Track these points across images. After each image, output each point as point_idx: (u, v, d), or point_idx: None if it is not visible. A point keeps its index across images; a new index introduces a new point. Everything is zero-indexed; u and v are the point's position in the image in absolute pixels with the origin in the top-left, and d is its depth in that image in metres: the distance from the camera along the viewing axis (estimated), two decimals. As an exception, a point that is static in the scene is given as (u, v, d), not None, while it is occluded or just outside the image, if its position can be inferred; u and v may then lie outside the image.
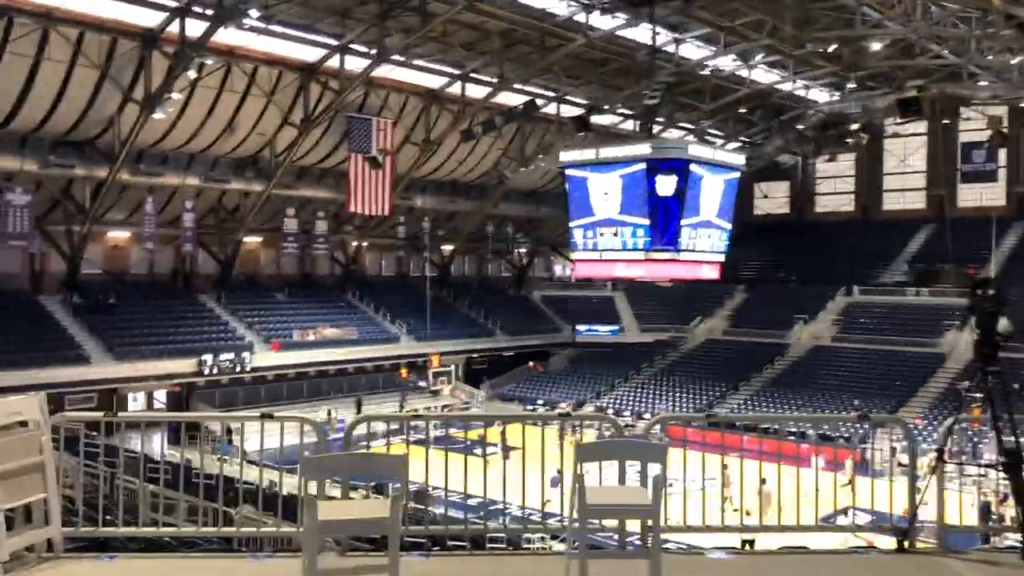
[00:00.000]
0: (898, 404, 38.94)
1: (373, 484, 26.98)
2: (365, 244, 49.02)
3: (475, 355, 49.72)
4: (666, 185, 29.06)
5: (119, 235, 40.46)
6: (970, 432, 25.88)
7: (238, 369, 37.49)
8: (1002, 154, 49.17)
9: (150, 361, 35.21)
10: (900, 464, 29.59)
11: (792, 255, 54.99)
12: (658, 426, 6.91)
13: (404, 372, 41.95)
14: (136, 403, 41.75)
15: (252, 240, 44.58)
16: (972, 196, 52.53)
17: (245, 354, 37.94)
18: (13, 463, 4.68)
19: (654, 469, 5.12)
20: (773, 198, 61.16)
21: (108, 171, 33.69)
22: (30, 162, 32.50)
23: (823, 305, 49.63)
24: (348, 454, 4.98)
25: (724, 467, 25.99)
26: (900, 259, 52.34)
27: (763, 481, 26.62)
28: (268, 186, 38.95)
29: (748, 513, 21.19)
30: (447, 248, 52.97)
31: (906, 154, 55.39)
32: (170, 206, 39.09)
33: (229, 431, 35.17)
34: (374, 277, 50.49)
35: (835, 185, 58.76)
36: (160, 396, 39.82)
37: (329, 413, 38.50)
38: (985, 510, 23.63)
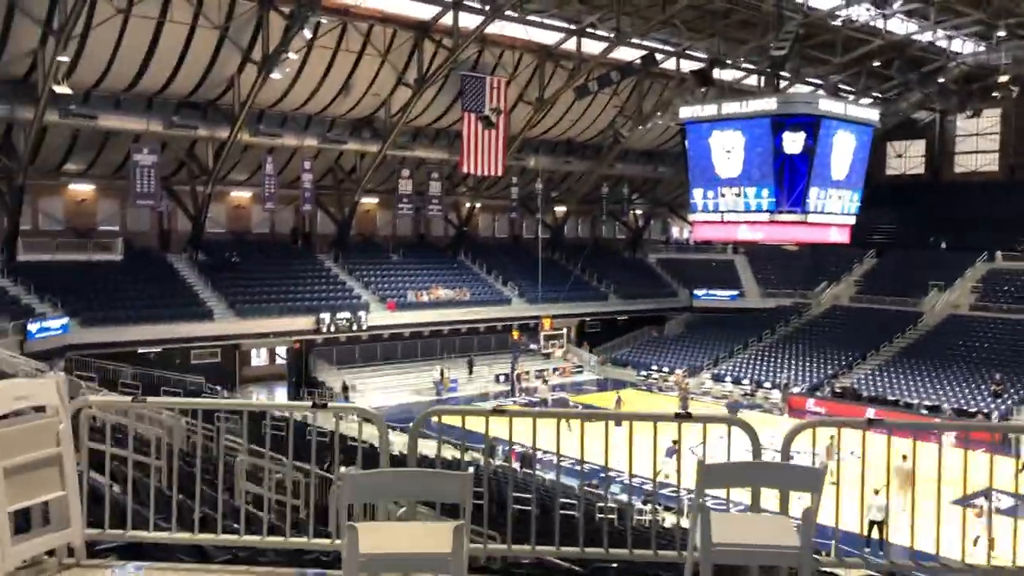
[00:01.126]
0: (1045, 378, 36.16)
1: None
2: (478, 205, 48.80)
3: (587, 319, 49.03)
4: (794, 142, 27.42)
5: (241, 195, 41.53)
6: None
7: (354, 328, 38.02)
8: None
9: (270, 318, 36.07)
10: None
11: (927, 218, 51.64)
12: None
13: (516, 334, 41.68)
14: (259, 358, 43.18)
15: (368, 201, 45.02)
16: None
17: (361, 313, 38.43)
18: (24, 456, 3.94)
19: (803, 499, 3.80)
20: (907, 157, 57.63)
21: (229, 132, 34.38)
22: (155, 123, 33.48)
23: (961, 272, 46.44)
24: (399, 471, 3.94)
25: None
26: (1050, 222, 48.39)
27: (904, 457, 25.13)
28: (383, 147, 39.07)
29: (876, 492, 19.73)
30: (560, 210, 52.22)
31: (1060, 108, 50.92)
32: (289, 167, 39.75)
33: (346, 388, 35.84)
34: (487, 239, 50.30)
35: (977, 143, 54.75)
36: (281, 352, 40.95)
37: (442, 372, 38.74)
38: None
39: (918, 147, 57.27)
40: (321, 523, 5.46)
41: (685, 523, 15.45)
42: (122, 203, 36.83)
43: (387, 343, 40.52)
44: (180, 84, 33.38)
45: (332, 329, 37.31)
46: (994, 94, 45.28)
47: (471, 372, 40.73)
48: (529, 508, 16.77)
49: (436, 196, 43.75)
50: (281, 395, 38.26)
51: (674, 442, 25.30)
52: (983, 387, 36.04)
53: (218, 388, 31.52)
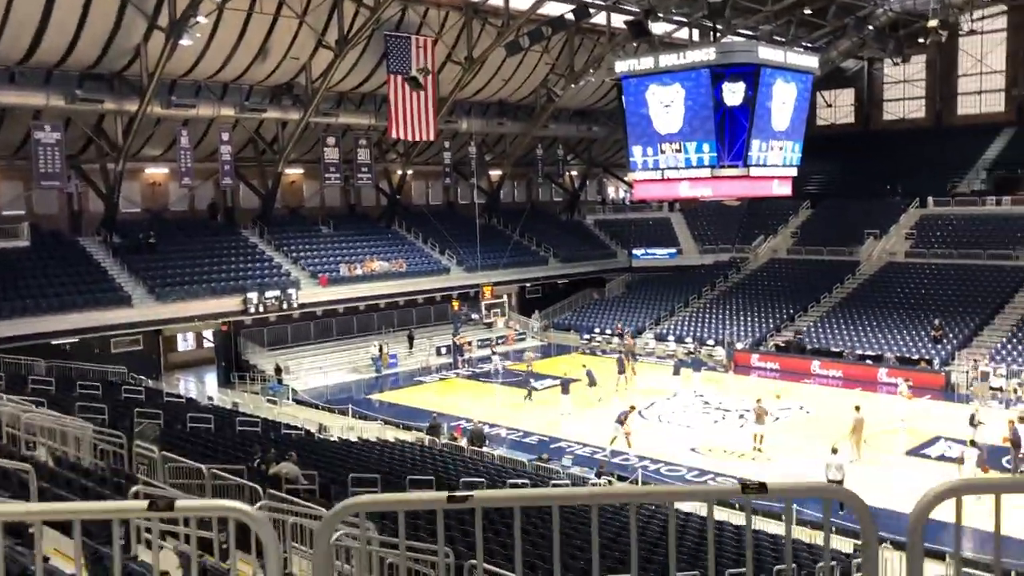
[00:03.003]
0: (981, 323, 36.47)
1: (427, 425, 25.76)
2: (410, 172, 47.21)
3: (528, 284, 48.09)
4: (734, 94, 26.56)
5: (156, 171, 39.24)
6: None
7: (285, 306, 36.32)
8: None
9: (194, 301, 34.13)
10: (992, 388, 27.30)
11: (859, 167, 51.87)
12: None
13: (456, 304, 40.50)
14: (186, 343, 41.23)
15: (293, 172, 43.14)
16: (1057, 96, 48.74)
17: (292, 290, 36.73)
18: None
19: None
20: (837, 107, 57.76)
21: (138, 104, 32.20)
22: (56, 97, 31.08)
23: (895, 219, 46.73)
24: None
25: (757, 400, 23.68)
26: (977, 167, 49.00)
27: (857, 408, 24.83)
28: (305, 114, 37.22)
29: (835, 450, 19.02)
30: (495, 174, 50.94)
31: (983, 53, 51.41)
32: (206, 139, 37.64)
33: (279, 370, 34.28)
34: (421, 207, 48.77)
35: (904, 90, 55.05)
36: (209, 335, 39.06)
37: (381, 348, 37.40)
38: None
39: (848, 96, 57.41)
40: None
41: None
42: (26, 185, 34.32)
43: (321, 320, 38.93)
44: (81, 54, 31.01)
45: (261, 309, 35.57)
46: (920, 40, 45.28)
47: (411, 346, 39.46)
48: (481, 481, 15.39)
49: (365, 164, 42.04)
50: (211, 380, 36.49)
51: (631, 408, 24.44)
52: (923, 333, 36.21)
53: (141, 378, 29.77)
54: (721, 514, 18.88)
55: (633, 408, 25.54)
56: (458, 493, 2.12)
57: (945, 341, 35.21)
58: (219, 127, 36.98)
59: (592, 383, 30.97)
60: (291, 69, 36.50)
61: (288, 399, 32.09)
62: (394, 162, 45.81)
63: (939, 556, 16.78)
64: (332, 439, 22.67)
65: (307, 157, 41.59)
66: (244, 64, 34.90)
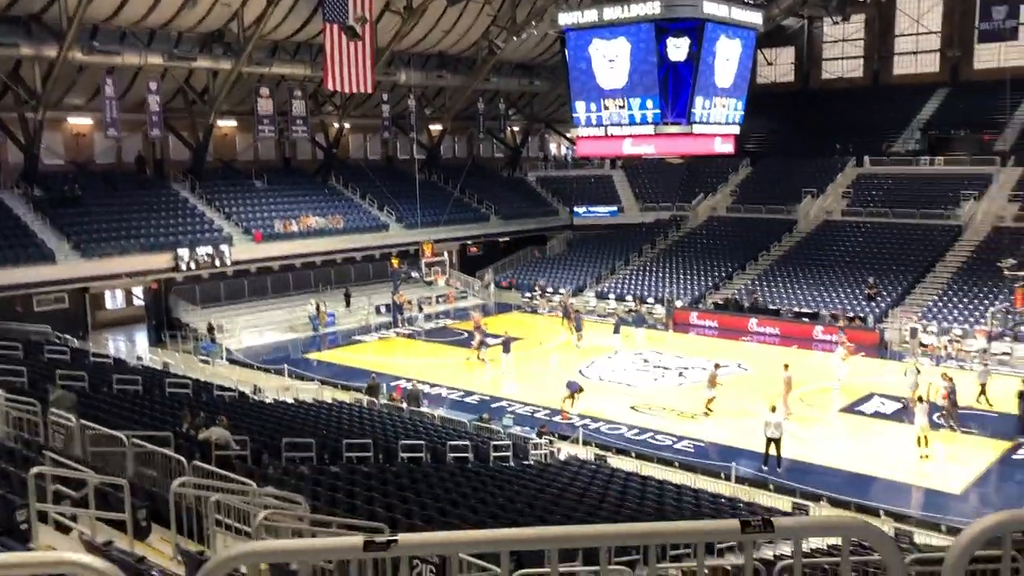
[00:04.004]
0: (915, 279, 37.19)
1: (365, 386, 25.28)
2: (347, 126, 45.97)
3: (470, 242, 47.52)
4: (678, 48, 26.21)
5: (80, 122, 37.43)
6: (1011, 314, 24.01)
7: (217, 263, 35.20)
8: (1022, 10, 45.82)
9: (121, 257, 32.80)
10: (922, 345, 27.85)
11: (798, 126, 52.22)
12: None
13: (395, 262, 39.76)
14: (115, 301, 39.79)
15: (226, 124, 41.65)
16: (990, 57, 49.48)
17: (224, 247, 35.59)
18: None
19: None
20: (778, 65, 57.86)
21: (58, 50, 30.49)
22: (-33, 42, 29.26)
23: (832, 177, 47.20)
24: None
25: (716, 366, 23.83)
26: (912, 127, 49.67)
27: (785, 367, 25.12)
28: (237, 63, 35.78)
29: (773, 409, 19.13)
30: (435, 128, 49.95)
31: (920, 13, 51.89)
32: (133, 89, 36.01)
33: (211, 329, 33.32)
34: (358, 161, 47.60)
35: (843, 49, 55.38)
36: (139, 293, 37.75)
37: (318, 306, 36.62)
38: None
39: (788, 54, 57.52)
40: None
41: (582, 453, 14.17)
42: (-62, 135, 32.45)
43: (255, 278, 37.87)
44: (-7, -6, 29.17)
45: (193, 266, 34.40)
46: (861, -1, 45.48)
47: (349, 304, 38.71)
48: (420, 455, 15.10)
49: (300, 116, 40.74)
50: (142, 340, 35.32)
51: (577, 384, 24.23)
52: (858, 291, 36.78)
53: (66, 337, 28.57)
54: (663, 473, 18.91)
55: (581, 389, 25.18)
56: (378, 539, 1.69)
57: (879, 299, 35.83)
58: (146, 76, 35.37)
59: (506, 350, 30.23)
60: (222, 16, 34.98)
61: (222, 359, 31.22)
62: (331, 115, 44.54)
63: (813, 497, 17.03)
64: (267, 401, 22.04)
65: (240, 109, 40.12)
66: (172, 9, 33.28)
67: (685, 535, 2.15)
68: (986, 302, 32.51)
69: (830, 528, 2.07)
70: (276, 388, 25.04)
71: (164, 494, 7.77)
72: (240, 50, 35.48)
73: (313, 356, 32.65)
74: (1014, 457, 20.53)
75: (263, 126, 39.58)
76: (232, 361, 31.34)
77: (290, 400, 22.78)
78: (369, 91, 38.82)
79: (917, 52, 52.61)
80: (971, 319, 32.29)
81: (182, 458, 9.36)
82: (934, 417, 21.55)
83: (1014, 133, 45.09)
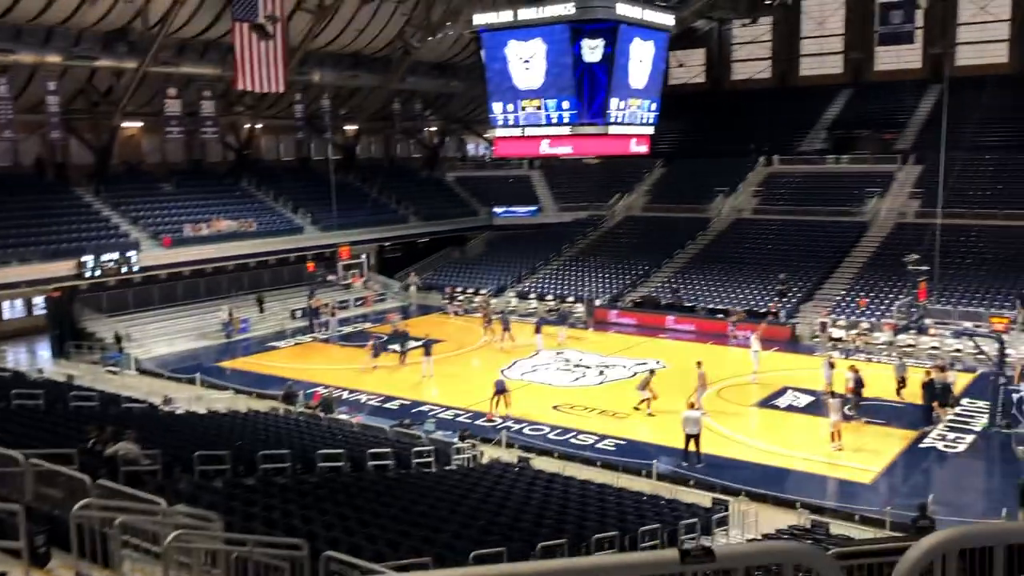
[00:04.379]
0: (824, 275, 38.34)
1: (282, 393, 24.70)
2: (259, 126, 44.95)
3: (388, 243, 47.00)
4: (593, 50, 26.34)
5: (-28, 123, 35.58)
6: (915, 307, 24.92)
7: (124, 270, 33.92)
8: (919, 15, 47.74)
9: (20, 265, 31.26)
10: (832, 339, 28.74)
11: (710, 126, 53.32)
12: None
13: (311, 265, 39.02)
14: (14, 310, 38.04)
15: (131, 125, 40.25)
16: (889, 59, 51.41)
17: (131, 253, 34.32)
18: None
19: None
20: (689, 66, 58.95)
21: (-54, 48, 28.95)
22: None
23: (743, 177, 48.35)
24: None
25: (651, 372, 24.14)
26: (819, 126, 51.23)
27: (699, 363, 25.56)
28: (143, 63, 34.58)
29: (692, 405, 19.43)
30: (351, 128, 49.26)
31: (824, 16, 53.60)
32: (30, 89, 34.42)
33: (119, 338, 32.14)
34: (272, 163, 46.60)
35: (752, 51, 56.77)
36: (41, 302, 36.13)
37: (230, 312, 35.66)
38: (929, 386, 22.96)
39: (698, 56, 58.66)
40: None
41: (505, 456, 14.06)
42: None
43: (165, 284, 36.66)
44: None
45: (98, 273, 33.05)
46: (768, 1, 46.68)
47: (263, 310, 37.81)
48: (340, 464, 14.75)
49: (210, 117, 39.63)
50: (44, 351, 33.80)
51: (501, 381, 24.13)
52: (770, 287, 37.70)
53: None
54: (586, 473, 18.98)
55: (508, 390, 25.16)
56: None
57: (790, 295, 36.80)
58: (44, 76, 33.85)
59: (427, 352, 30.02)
60: (125, 13, 33.69)
61: (130, 369, 30.11)
62: (242, 115, 43.47)
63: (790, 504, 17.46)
64: (178, 412, 21.30)
65: (146, 110, 38.81)
66: (70, 6, 31.93)
67: (621, 568, 2.04)
68: (892, 296, 33.75)
69: (773, 555, 1.98)
70: (188, 398, 24.25)
71: (66, 517, 7.35)
72: (145, 49, 34.30)
73: (227, 364, 31.75)
74: (920, 446, 21.29)
75: (171, 127, 38.36)
76: (141, 371, 30.25)
77: (203, 411, 22.06)
78: (281, 91, 38.00)
79: (822, 54, 54.30)
80: (878, 312, 33.48)
81: (86, 477, 8.88)
82: (846, 410, 22.21)
83: (914, 132, 46.93)
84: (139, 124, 40.59)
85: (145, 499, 8.45)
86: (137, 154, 41.60)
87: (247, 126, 43.97)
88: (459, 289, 42.26)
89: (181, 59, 37.24)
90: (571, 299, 40.15)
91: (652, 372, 25.59)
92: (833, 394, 22.43)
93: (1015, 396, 22.69)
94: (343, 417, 22.90)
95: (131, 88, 35.56)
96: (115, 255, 33.63)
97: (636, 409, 24.35)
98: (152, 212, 38.12)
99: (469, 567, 1.98)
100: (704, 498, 17.41)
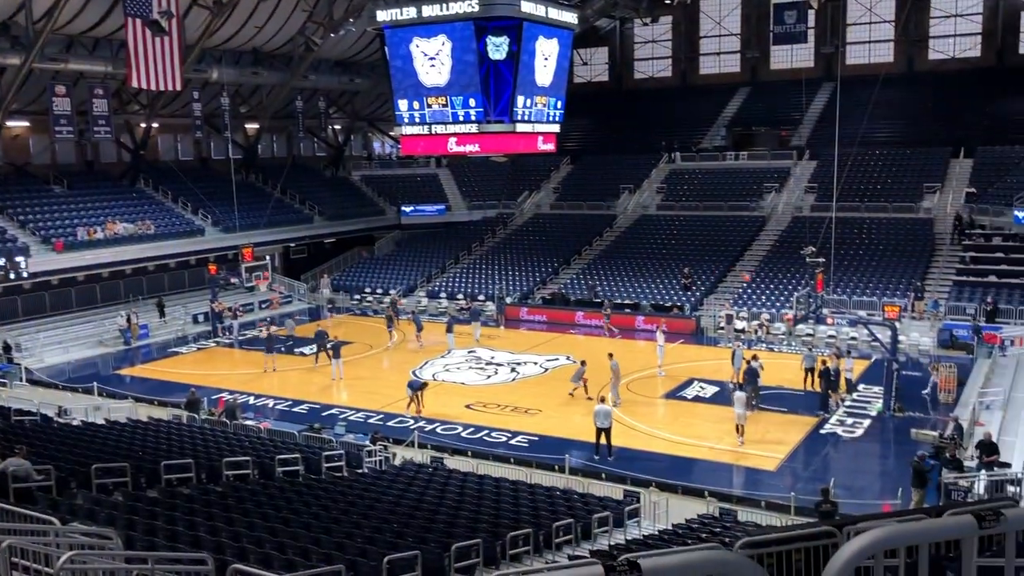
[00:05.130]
0: (726, 268, 39.36)
1: (184, 402, 23.93)
2: (156, 125, 43.41)
3: (293, 244, 46.05)
4: (498, 48, 26.33)
5: None
6: (812, 298, 25.79)
7: (13, 276, 32.24)
8: (811, 16, 49.55)
9: None
10: (736, 330, 29.52)
11: (614, 124, 54.11)
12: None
13: (213, 268, 37.88)
14: None
15: (17, 124, 38.40)
16: (784, 58, 53.16)
17: (20, 258, 32.63)
18: None
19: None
20: (592, 65, 59.72)
21: None
22: None
23: (647, 174, 49.25)
24: None
25: (582, 363, 24.41)
26: (719, 124, 52.59)
27: (610, 356, 25.91)
28: (28, 59, 32.90)
29: (602, 399, 19.79)
30: (252, 127, 48.08)
31: (722, 16, 55.04)
32: (-98, 86, 32.41)
33: (8, 348, 30.58)
34: (170, 163, 45.04)
35: (653, 50, 57.86)
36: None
37: (129, 319, 34.34)
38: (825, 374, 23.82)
39: (602, 54, 59.46)
40: None
41: (418, 456, 13.94)
42: None
43: (58, 291, 35.01)
44: None
45: (-17, 280, 31.39)
46: (668, 1, 47.56)
47: (163, 315, 36.56)
48: (247, 471, 14.33)
49: (103, 116, 37.99)
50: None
51: (415, 377, 23.97)
52: (675, 281, 38.50)
53: None
54: (499, 471, 18.97)
55: (426, 385, 25.02)
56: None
57: (694, 288, 37.66)
58: (-83, 71, 31.95)
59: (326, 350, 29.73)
60: (7, 6, 32.04)
61: (21, 380, 28.66)
62: (137, 114, 41.91)
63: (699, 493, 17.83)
64: (74, 423, 20.38)
65: (33, 108, 37.05)
66: (-55, -2, 30.22)
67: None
68: (790, 287, 34.90)
69: (701, 565, 1.95)
70: (85, 409, 23.20)
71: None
72: (30, 44, 32.64)
73: (126, 372, 30.57)
74: (821, 432, 22.06)
75: (60, 127, 36.63)
76: (33, 382, 28.84)
77: (101, 421, 21.16)
78: (178, 89, 36.80)
79: (720, 53, 55.77)
80: (778, 304, 34.59)
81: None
82: (752, 402, 22.85)
83: (808, 129, 48.64)
84: (25, 123, 38.73)
85: (37, 518, 8.02)
86: (24, 155, 39.65)
87: (143, 125, 42.41)
88: (395, 292, 41.51)
89: (70, 55, 35.60)
90: (481, 297, 40.14)
91: (583, 363, 25.76)
92: (740, 386, 23.01)
93: (931, 385, 23.86)
94: (250, 423, 22.33)
95: (15, 85, 33.82)
96: (1, 261, 31.94)
97: (571, 395, 24.82)
98: (42, 215, 36.40)
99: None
100: (616, 490, 17.63)
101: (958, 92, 46.07)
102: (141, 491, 13.27)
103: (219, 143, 46.27)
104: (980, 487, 15.08)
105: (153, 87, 35.33)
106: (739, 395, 21.66)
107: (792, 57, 52.45)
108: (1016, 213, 34.78)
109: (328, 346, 29.21)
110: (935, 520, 2.12)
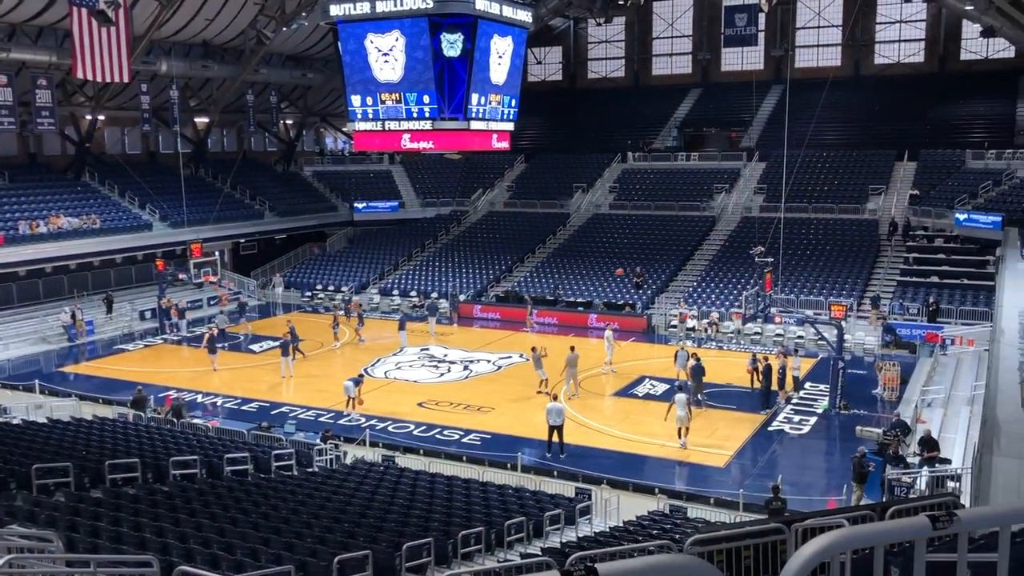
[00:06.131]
0: (677, 267, 39.77)
1: (132, 402, 23.43)
2: (102, 118, 42.44)
3: (243, 240, 45.39)
4: (452, 45, 26.24)
5: None
6: (761, 297, 26.18)
7: (-50, 271, 31.36)
8: (761, 19, 50.28)
9: None
10: (688, 329, 29.84)
11: (568, 123, 54.35)
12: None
13: (161, 264, 37.19)
14: None
15: (-45, 115, 37.06)
16: (734, 60, 53.88)
17: (-42, 253, 31.77)
18: None
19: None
20: (546, 64, 59.91)
21: None
22: None
23: (600, 173, 49.55)
24: None
25: (543, 350, 24.47)
26: (670, 124, 53.10)
27: (572, 348, 26.05)
28: (-33, 47, 31.96)
29: (555, 397, 19.83)
30: (201, 121, 47.26)
31: (674, 18, 55.60)
32: None
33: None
34: (116, 156, 44.08)
35: (607, 50, 58.24)
36: None
37: (74, 316, 33.56)
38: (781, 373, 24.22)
39: (556, 54, 59.66)
40: None
41: (369, 455, 13.86)
42: None
43: (-2, 286, 34.15)
44: None
45: (-81, 275, 30.41)
46: (621, 1, 47.90)
47: (110, 311, 35.80)
48: (195, 471, 14.12)
49: (47, 107, 37.04)
50: None
51: (363, 373, 23.86)
52: (627, 280, 38.78)
53: None
54: (452, 469, 18.93)
55: (362, 376, 24.97)
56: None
57: (646, 287, 37.98)
58: None
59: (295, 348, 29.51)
60: (-56, -7, 31.14)
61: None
62: (83, 106, 40.94)
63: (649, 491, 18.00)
64: (15, 422, 19.85)
65: (-28, 98, 35.89)
66: None
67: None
68: (739, 286, 35.39)
69: (660, 570, 1.94)
70: (26, 407, 22.63)
71: None
72: (-31, 32, 31.76)
73: (70, 369, 29.87)
74: (769, 429, 22.42)
75: (2, 118, 35.62)
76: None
77: (43, 420, 20.65)
78: (125, 81, 36.00)
79: (672, 54, 56.35)
80: (727, 303, 35.06)
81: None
82: (698, 396, 23.10)
83: (757, 130, 49.36)
84: (-36, 114, 37.52)
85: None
86: (-38, 146, 38.52)
87: (88, 117, 41.45)
88: (348, 288, 41.17)
89: (11, 44, 34.64)
90: (435, 295, 40.01)
91: (534, 348, 25.94)
92: (681, 387, 23.23)
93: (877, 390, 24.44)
94: (198, 422, 21.98)
95: (-46, 74, 32.85)
96: (-62, 255, 31.03)
97: (546, 392, 24.92)
98: (-19, 208, 35.40)
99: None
100: (568, 488, 17.71)
101: (903, 96, 47.20)
102: (84, 491, 12.98)
103: (168, 137, 45.41)
104: (922, 483, 15.44)
105: (99, 79, 34.54)
106: (680, 397, 21.49)
107: (743, 59, 53.19)
108: (957, 215, 35.72)
109: (279, 344, 28.83)
110: (890, 522, 2.16)
